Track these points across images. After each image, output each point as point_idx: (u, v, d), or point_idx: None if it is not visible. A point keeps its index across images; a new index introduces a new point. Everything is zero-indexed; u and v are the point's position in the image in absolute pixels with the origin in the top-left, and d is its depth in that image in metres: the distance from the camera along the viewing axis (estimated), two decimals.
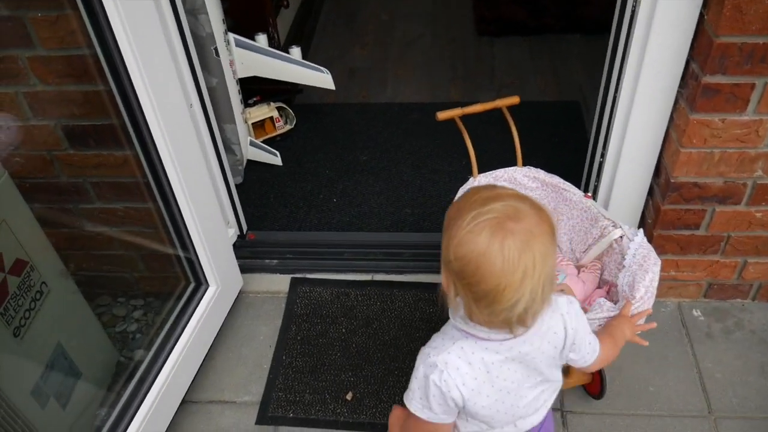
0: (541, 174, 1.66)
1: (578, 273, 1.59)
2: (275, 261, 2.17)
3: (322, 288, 2.09)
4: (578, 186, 2.06)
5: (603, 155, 1.80)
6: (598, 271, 1.57)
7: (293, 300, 2.07)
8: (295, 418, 1.77)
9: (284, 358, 1.91)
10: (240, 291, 2.10)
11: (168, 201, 1.65)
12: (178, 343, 1.76)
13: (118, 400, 1.65)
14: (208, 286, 1.87)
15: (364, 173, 2.50)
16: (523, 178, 1.67)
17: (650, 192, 1.80)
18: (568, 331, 1.00)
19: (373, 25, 3.42)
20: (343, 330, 1.97)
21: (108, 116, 1.57)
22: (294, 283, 2.12)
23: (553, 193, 1.68)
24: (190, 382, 1.81)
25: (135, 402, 1.63)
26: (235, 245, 2.19)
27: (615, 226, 1.52)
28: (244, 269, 2.16)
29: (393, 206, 2.34)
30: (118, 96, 1.45)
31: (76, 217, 1.90)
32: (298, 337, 1.96)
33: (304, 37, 3.23)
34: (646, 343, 1.33)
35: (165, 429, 1.71)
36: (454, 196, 1.65)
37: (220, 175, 2.00)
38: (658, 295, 1.65)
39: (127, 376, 1.75)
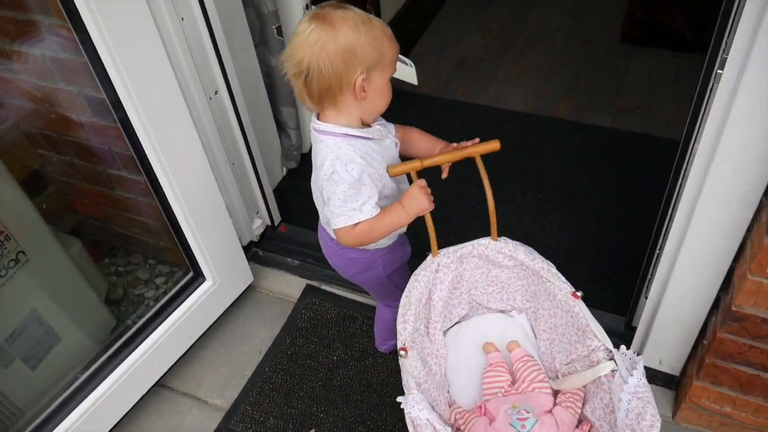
0: (520, 252, 1.31)
1: (553, 404, 1.26)
2: (296, 262, 2.04)
3: (331, 304, 1.94)
4: (631, 267, 1.69)
5: (661, 247, 1.41)
6: (579, 406, 1.24)
7: (299, 310, 1.94)
8: None
9: (267, 370, 1.81)
10: (253, 285, 2.02)
11: (158, 191, 1.58)
12: (158, 329, 1.73)
13: (89, 367, 1.67)
14: (204, 279, 1.80)
15: (452, 196, 2.26)
16: (497, 255, 1.34)
17: (713, 308, 1.40)
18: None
19: (506, 11, 3.06)
20: (335, 358, 1.82)
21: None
22: (306, 291, 1.99)
23: (534, 278, 1.35)
24: (166, 369, 1.78)
25: (104, 373, 1.64)
26: (262, 236, 2.10)
27: (607, 354, 1.18)
28: (265, 262, 2.07)
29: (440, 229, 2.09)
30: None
31: (107, 180, 1.91)
32: (289, 352, 1.84)
33: (421, 15, 2.97)
34: None
35: (129, 408, 1.71)
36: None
37: (250, 164, 1.89)
38: (702, 425, 1.28)
39: (111, 344, 1.76)
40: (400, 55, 2.08)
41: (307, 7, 2.05)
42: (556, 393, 1.28)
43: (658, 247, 1.44)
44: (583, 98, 2.52)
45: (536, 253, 1.32)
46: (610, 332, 1.71)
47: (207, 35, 1.59)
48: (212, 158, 1.80)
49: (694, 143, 1.23)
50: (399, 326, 1.26)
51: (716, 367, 1.39)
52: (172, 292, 1.81)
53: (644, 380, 1.10)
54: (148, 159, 1.50)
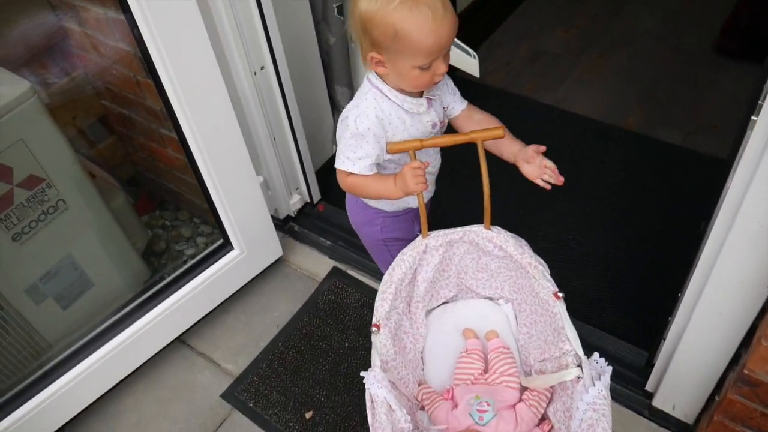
0: (510, 245, 1.28)
1: (518, 399, 1.25)
2: (328, 242, 2.06)
3: (353, 290, 1.95)
4: (663, 302, 1.58)
5: (683, 290, 1.31)
6: (543, 406, 1.23)
7: (322, 290, 1.97)
8: (253, 411, 1.72)
9: (280, 345, 1.85)
10: (284, 258, 2.05)
11: (191, 158, 1.63)
12: (183, 288, 1.80)
13: (117, 313, 1.77)
14: (232, 248, 1.85)
15: (470, 178, 2.20)
16: (487, 244, 1.32)
17: (732, 363, 1.29)
18: None
19: (597, 6, 2.88)
20: (347, 344, 1.83)
21: None
22: (332, 273, 2.00)
23: (520, 272, 1.33)
24: (187, 327, 1.87)
25: (129, 321, 1.74)
26: (300, 212, 2.13)
27: (576, 359, 1.15)
28: (299, 237, 2.10)
29: (454, 211, 2.04)
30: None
31: (159, 138, 1.99)
32: (304, 331, 1.87)
33: (504, 2, 2.85)
34: None
35: (149, 356, 1.81)
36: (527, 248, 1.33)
37: (292, 141, 1.91)
38: None
39: (140, 294, 1.85)
40: (461, 44, 2.03)
41: None
42: (524, 389, 1.28)
43: (682, 289, 1.34)
44: (658, 110, 2.35)
45: (527, 248, 1.30)
46: (628, 366, 1.63)
47: (256, 10, 1.60)
48: (254, 132, 1.83)
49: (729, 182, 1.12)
50: (377, 303, 1.28)
51: (725, 426, 1.29)
52: (202, 255, 1.88)
53: (605, 393, 1.06)
54: (185, 136, 1.55)
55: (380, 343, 1.24)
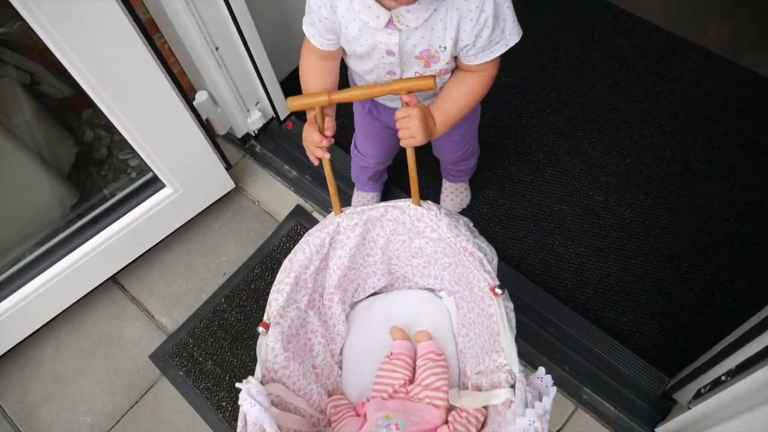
0: (443, 224, 1.04)
1: (443, 421, 1.05)
2: (294, 173, 1.67)
3: None
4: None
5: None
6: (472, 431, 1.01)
7: (279, 236, 1.62)
8: (183, 380, 1.47)
9: (223, 301, 1.55)
10: (241, 187, 1.68)
11: None
12: (109, 228, 1.48)
13: (41, 246, 1.49)
14: (163, 185, 1.49)
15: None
16: (416, 223, 1.08)
17: None
18: None
19: None
20: None
21: None
22: (295, 213, 1.64)
23: (458, 259, 1.07)
24: (118, 269, 1.57)
25: (53, 257, 1.47)
26: (264, 129, 1.71)
27: (509, 378, 0.90)
28: (261, 160, 1.71)
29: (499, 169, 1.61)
30: None
31: None
32: (252, 286, 1.56)
33: None
34: None
35: (76, 299, 1.55)
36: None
37: (243, 50, 1.45)
38: None
39: (65, 227, 1.55)
40: None
41: None
42: (451, 408, 1.07)
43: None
44: (752, 25, 1.75)
45: (464, 228, 1.05)
46: (637, 391, 1.29)
47: None
48: (186, 40, 1.37)
49: None
50: (271, 296, 1.06)
51: None
52: (130, 188, 1.52)
53: (540, 425, 0.80)
54: None
55: (267, 346, 1.01)
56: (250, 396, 0.93)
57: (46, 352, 1.56)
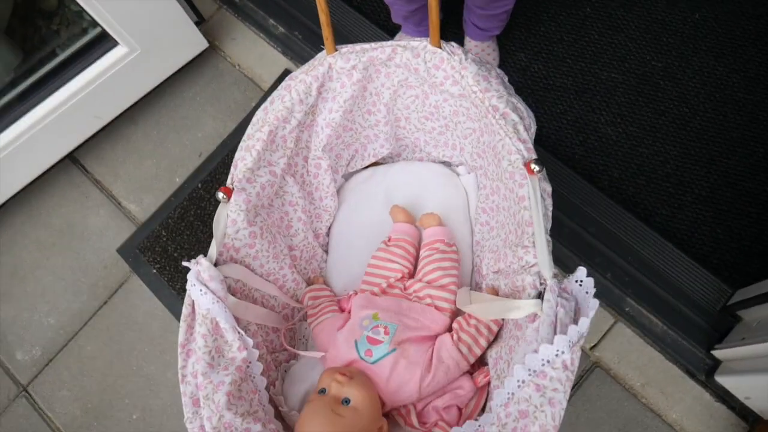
0: (469, 74, 0.79)
1: (446, 329, 0.82)
2: (281, 29, 1.36)
3: None
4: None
5: None
6: (481, 345, 0.79)
7: None
8: (156, 278, 1.28)
9: (200, 186, 1.32)
10: (218, 47, 1.38)
11: None
12: (60, 91, 1.21)
13: None
14: (116, 44, 1.19)
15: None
16: (434, 71, 0.82)
17: None
18: None
19: None
20: None
21: None
22: (282, 79, 1.33)
23: (486, 123, 0.81)
24: (74, 146, 1.32)
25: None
26: None
27: (536, 282, 0.68)
28: (242, 15, 1.39)
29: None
30: None
31: None
32: None
33: None
34: None
35: (26, 182, 1.32)
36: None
37: None
38: None
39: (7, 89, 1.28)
40: None
41: None
42: (457, 313, 0.85)
43: None
44: None
45: (496, 81, 0.80)
46: (695, 307, 1.08)
47: None
48: None
49: None
50: (237, 154, 0.83)
51: None
52: (78, 44, 1.23)
53: (568, 358, 0.61)
54: None
55: (227, 218, 0.78)
56: (200, 281, 0.72)
57: (1, 243, 1.35)
